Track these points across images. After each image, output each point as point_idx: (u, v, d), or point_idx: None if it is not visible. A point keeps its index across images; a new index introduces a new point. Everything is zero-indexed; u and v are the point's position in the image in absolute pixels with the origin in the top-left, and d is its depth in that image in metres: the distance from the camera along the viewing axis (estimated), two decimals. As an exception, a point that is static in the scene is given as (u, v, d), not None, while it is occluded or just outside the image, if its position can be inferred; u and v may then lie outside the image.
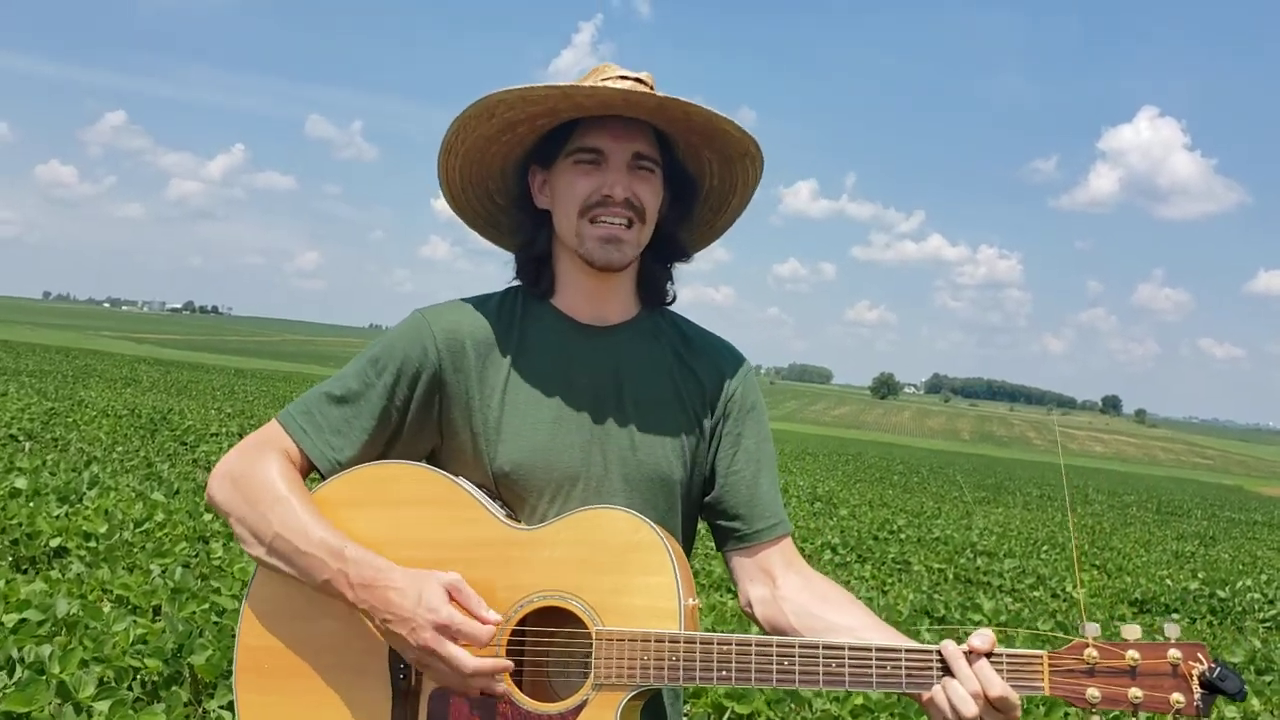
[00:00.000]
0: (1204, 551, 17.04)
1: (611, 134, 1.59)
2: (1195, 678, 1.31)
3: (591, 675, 1.42)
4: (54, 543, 5.99)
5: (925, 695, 1.38)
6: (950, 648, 1.37)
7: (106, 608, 4.62)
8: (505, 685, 1.45)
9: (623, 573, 1.45)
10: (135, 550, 6.04)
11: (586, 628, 1.44)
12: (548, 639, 1.48)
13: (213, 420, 17.74)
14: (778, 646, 1.39)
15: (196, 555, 6.09)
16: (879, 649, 1.38)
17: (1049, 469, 55.94)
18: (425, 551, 1.49)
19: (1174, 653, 1.32)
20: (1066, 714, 4.26)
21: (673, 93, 1.56)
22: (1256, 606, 10.46)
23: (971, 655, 1.36)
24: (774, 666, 1.39)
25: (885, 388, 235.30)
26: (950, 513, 18.80)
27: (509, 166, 1.70)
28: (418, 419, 1.63)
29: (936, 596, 8.63)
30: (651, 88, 1.60)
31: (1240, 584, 11.70)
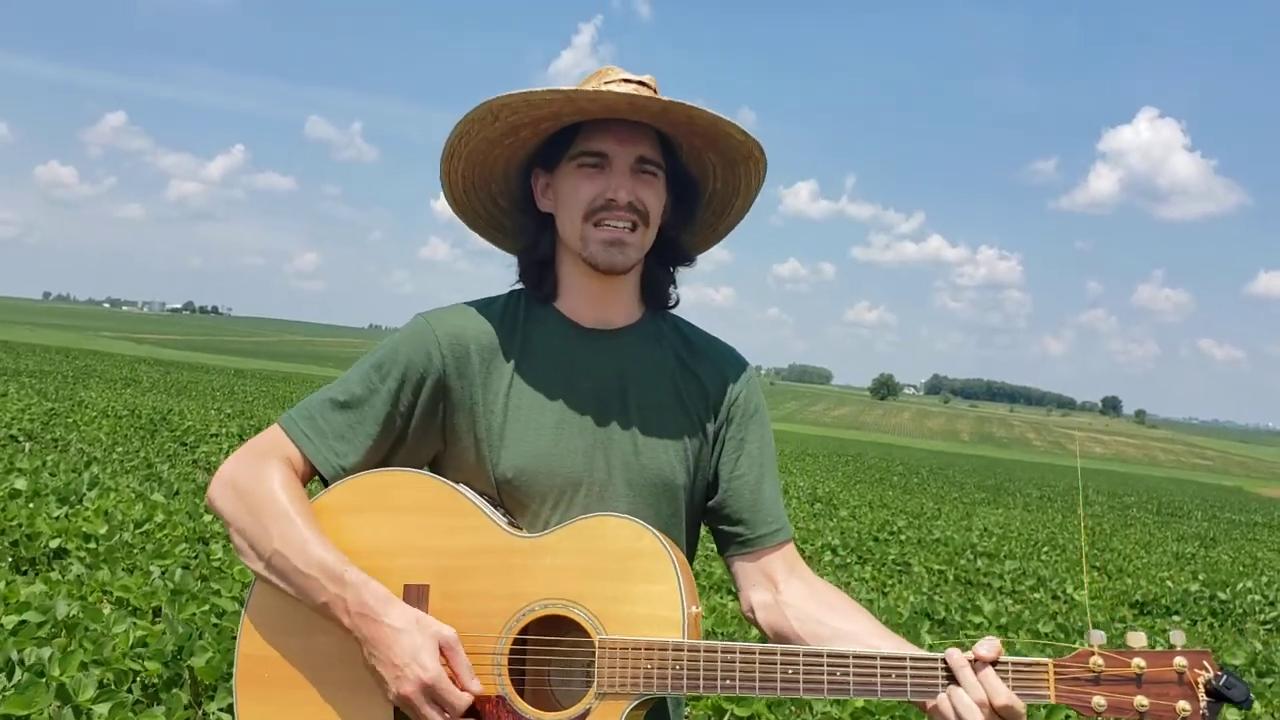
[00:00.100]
0: (1204, 553, 17.03)
1: (615, 138, 1.59)
2: (1201, 685, 1.31)
3: (595, 684, 1.41)
4: (54, 544, 5.98)
5: (930, 703, 1.38)
6: (955, 656, 1.36)
7: (106, 609, 4.62)
8: (510, 693, 1.44)
9: (625, 581, 1.44)
10: (135, 551, 6.03)
11: (589, 636, 1.43)
12: (550, 647, 1.48)
13: (212, 421, 17.73)
14: (782, 655, 1.39)
15: (196, 557, 6.08)
16: (884, 657, 1.38)
17: (1048, 470, 55.94)
18: (426, 559, 1.49)
19: (1180, 660, 1.32)
20: (1068, 718, 4.25)
21: (674, 95, 1.56)
22: (1257, 608, 10.45)
23: (977, 663, 1.36)
24: (778, 675, 1.38)
25: (885, 388, 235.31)
26: (950, 514, 18.79)
27: (512, 169, 1.70)
28: (422, 424, 1.62)
29: (937, 598, 8.62)
30: (655, 91, 1.60)
31: (1241, 586, 11.69)
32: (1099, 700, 1.32)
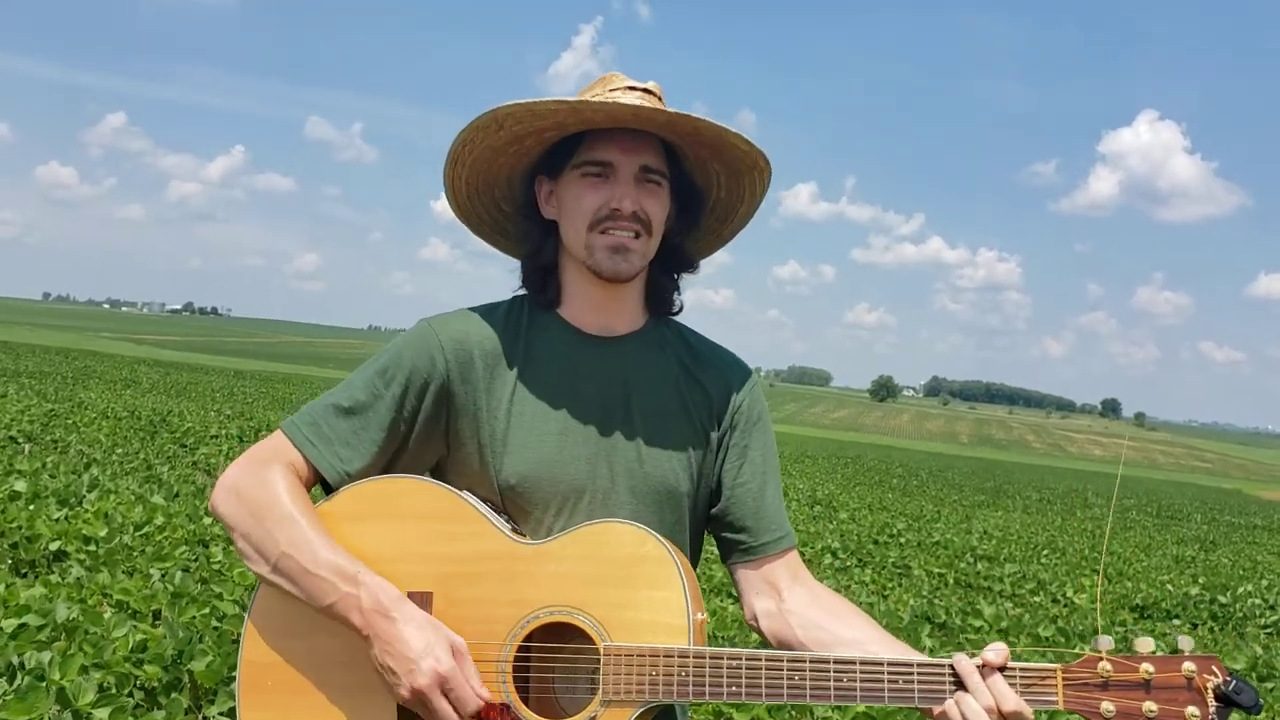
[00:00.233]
0: (1204, 556, 17.03)
1: (620, 147, 1.58)
2: (1210, 691, 1.30)
3: (600, 691, 1.41)
4: (53, 546, 5.97)
5: (937, 709, 1.37)
6: (963, 662, 1.36)
7: (107, 613, 4.61)
8: (514, 700, 1.43)
9: (630, 587, 1.43)
10: (135, 554, 6.02)
11: (594, 643, 1.42)
12: (554, 655, 1.47)
13: (212, 422, 17.72)
14: (788, 662, 1.38)
15: (196, 559, 6.07)
16: (891, 663, 1.37)
17: (1048, 472, 55.97)
18: (430, 566, 1.48)
19: (1189, 666, 1.31)
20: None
21: (675, 96, 1.57)
22: (1257, 612, 10.44)
23: (985, 669, 1.35)
24: (785, 682, 1.38)
25: (884, 390, 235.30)
26: (950, 516, 18.79)
27: (515, 176, 1.69)
28: (425, 430, 1.62)
29: (937, 602, 8.61)
30: (660, 98, 1.59)
31: (1241, 589, 11.68)
32: (1108, 706, 1.32)
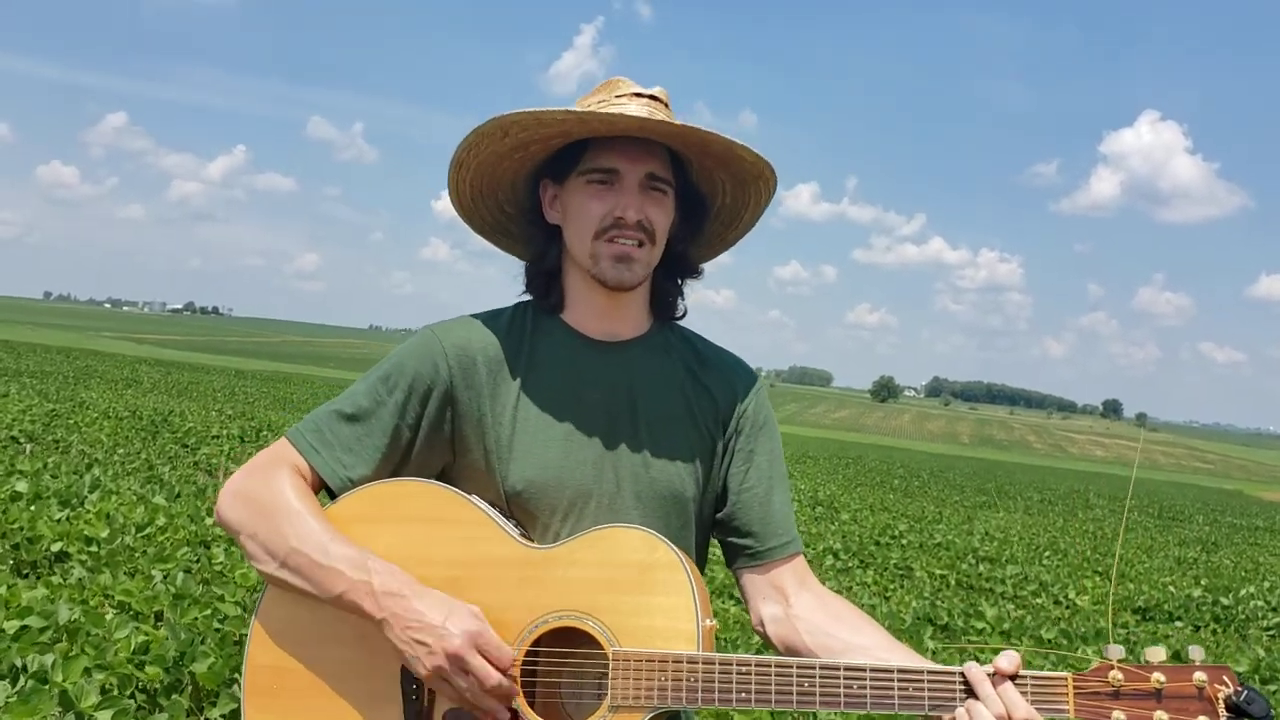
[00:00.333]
0: (1206, 557, 17.01)
1: (626, 155, 1.58)
2: (1221, 701, 1.30)
3: (608, 697, 1.40)
4: (55, 547, 5.96)
5: (948, 717, 1.36)
6: (974, 670, 1.35)
7: (109, 614, 4.60)
8: (521, 704, 1.43)
9: (639, 593, 1.43)
10: (137, 555, 6.02)
11: (602, 649, 1.42)
12: (562, 660, 1.46)
13: (213, 422, 17.72)
14: (798, 668, 1.38)
15: (198, 560, 6.06)
16: (901, 670, 1.36)
17: (1049, 473, 55.95)
18: (439, 570, 1.48)
19: (1199, 675, 1.31)
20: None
21: (675, 97, 1.57)
22: (1260, 614, 10.42)
23: (996, 677, 1.34)
24: (794, 688, 1.37)
25: (885, 391, 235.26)
26: (951, 517, 18.78)
27: (520, 180, 1.69)
28: (429, 437, 1.62)
29: (939, 604, 8.60)
30: (666, 104, 1.59)
31: (1243, 591, 11.66)
32: (1119, 715, 1.31)
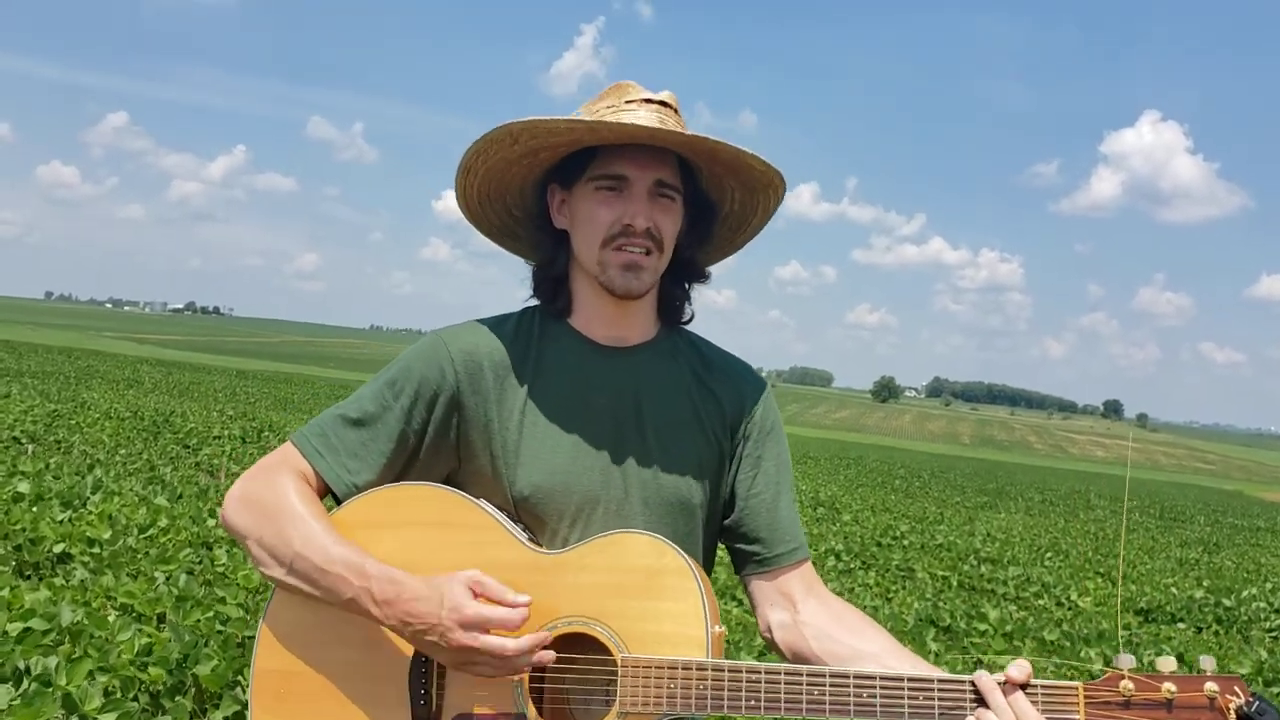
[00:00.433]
0: (1207, 558, 17.00)
1: (635, 162, 1.57)
2: (1233, 711, 1.29)
3: (617, 703, 1.40)
4: (57, 549, 5.96)
5: (957, 727, 1.36)
6: (985, 679, 1.35)
7: (111, 616, 4.60)
8: (529, 710, 1.42)
9: (648, 599, 1.43)
10: (139, 557, 6.02)
11: (611, 654, 1.42)
12: (570, 666, 1.46)
13: (215, 423, 17.72)
14: (808, 676, 1.37)
15: (200, 562, 6.06)
16: (911, 679, 1.36)
17: (1050, 474, 55.92)
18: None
19: (1211, 686, 1.30)
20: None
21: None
22: (1262, 615, 10.41)
23: (1007, 686, 1.34)
24: (804, 696, 1.37)
25: (886, 391, 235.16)
26: (953, 518, 18.77)
27: (528, 185, 1.69)
28: (435, 442, 1.61)
29: (941, 605, 8.59)
30: (675, 110, 1.59)
31: (1245, 593, 11.66)
32: (1129, 725, 1.31)
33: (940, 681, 1.36)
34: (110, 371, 34.51)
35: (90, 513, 6.90)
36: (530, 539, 1.53)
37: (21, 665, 3.70)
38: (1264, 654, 7.63)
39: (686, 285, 1.75)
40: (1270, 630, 9.84)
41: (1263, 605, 10.95)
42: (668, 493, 1.62)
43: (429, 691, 1.45)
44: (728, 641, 5.60)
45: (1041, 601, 10.15)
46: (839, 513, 16.27)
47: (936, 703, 1.35)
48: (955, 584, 10.57)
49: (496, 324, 1.69)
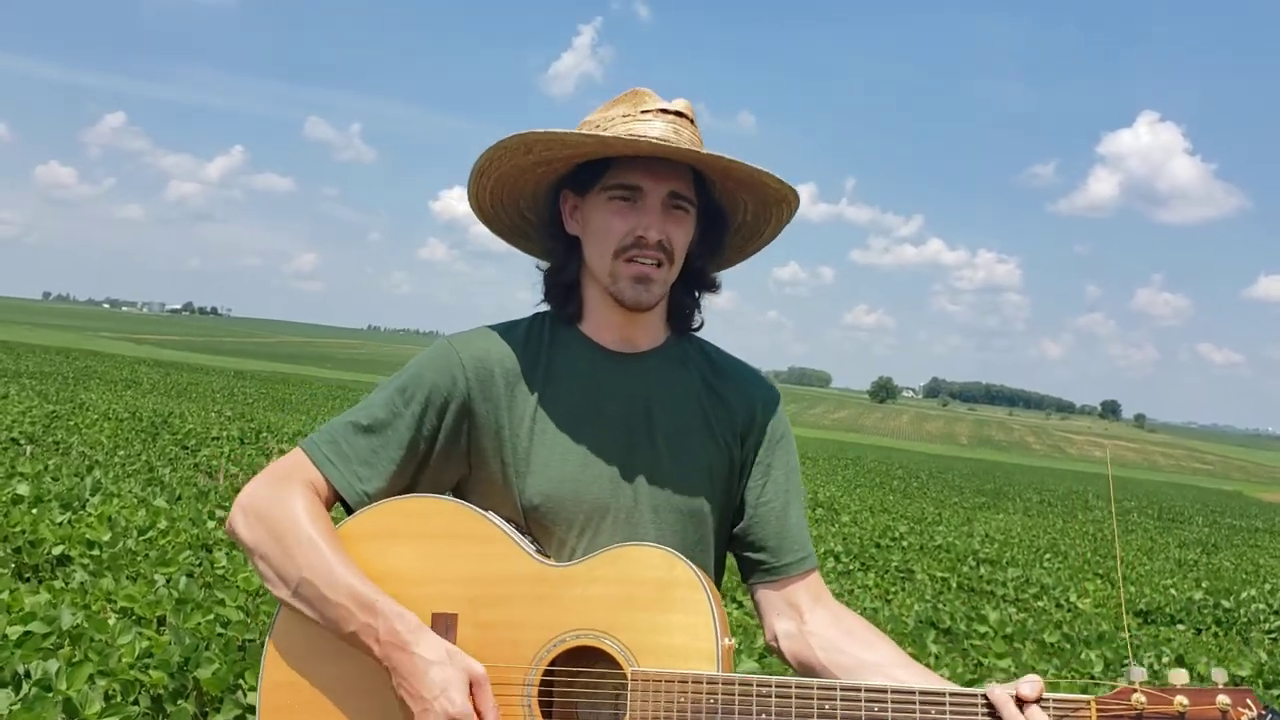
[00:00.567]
0: (1206, 560, 17.00)
1: (650, 173, 1.57)
2: (1244, 724, 1.28)
3: (626, 717, 1.39)
4: (57, 551, 5.94)
5: (969, 740, 1.35)
6: (997, 693, 1.34)
7: (112, 619, 4.59)
8: None
9: (658, 612, 1.42)
10: (139, 559, 6.00)
11: (620, 668, 1.41)
12: (579, 679, 1.45)
13: (213, 423, 17.69)
14: (819, 689, 1.36)
15: (200, 564, 6.05)
16: (923, 692, 1.35)
17: (1048, 474, 55.94)
18: (455, 588, 1.47)
19: (1223, 699, 1.29)
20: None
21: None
22: (1262, 617, 10.41)
23: (1019, 701, 1.33)
24: (815, 710, 1.36)
25: (884, 391, 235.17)
26: (951, 519, 18.76)
27: (541, 190, 1.69)
28: (445, 449, 1.61)
29: (941, 607, 8.59)
30: (691, 119, 1.58)
31: (1244, 594, 11.66)
32: (1141, 738, 1.30)
33: (952, 695, 1.35)
34: (108, 372, 34.46)
35: (90, 515, 6.89)
36: (538, 551, 1.52)
37: (21, 669, 3.69)
38: (1264, 656, 7.62)
39: (696, 294, 1.75)
40: (1269, 632, 9.83)
41: (1262, 607, 10.95)
42: (678, 501, 1.62)
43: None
44: (728, 644, 5.61)
45: (1041, 603, 10.14)
46: (838, 514, 16.27)
47: (949, 717, 1.35)
48: (954, 585, 10.56)
49: (507, 330, 1.69)
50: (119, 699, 3.73)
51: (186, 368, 48.89)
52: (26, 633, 4.12)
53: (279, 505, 1.50)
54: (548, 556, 1.53)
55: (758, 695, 1.36)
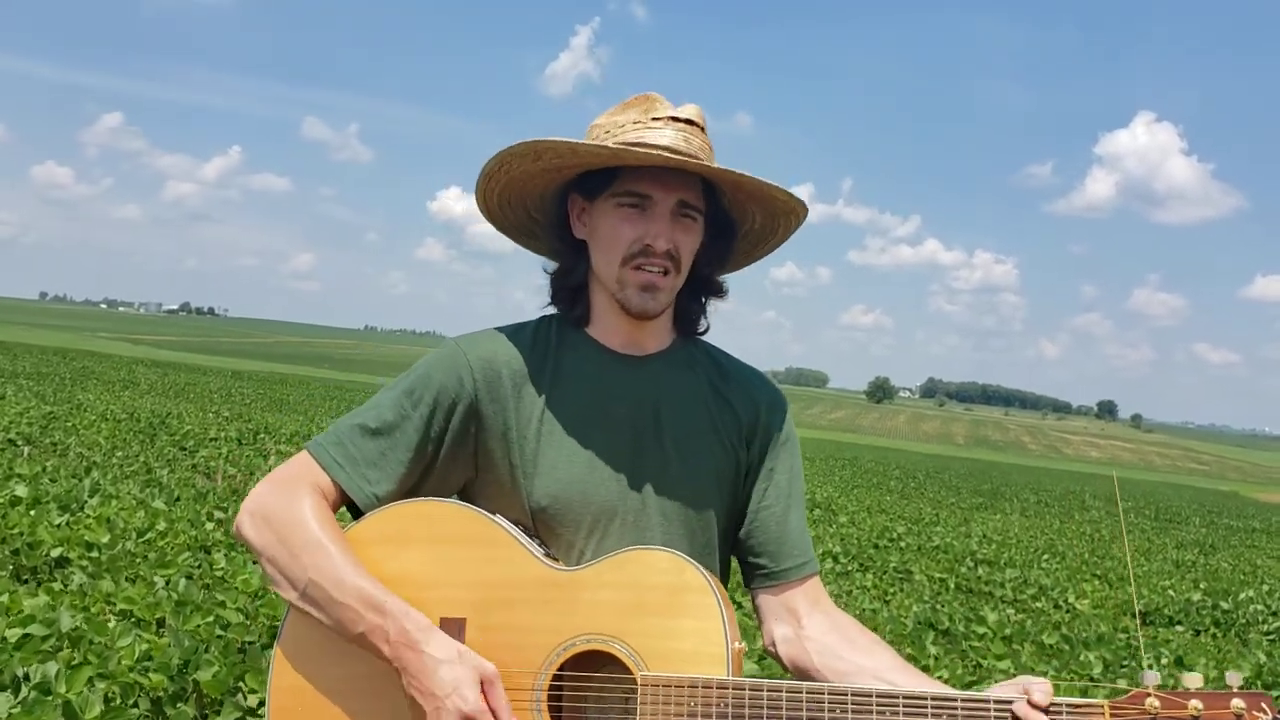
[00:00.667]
0: (1204, 560, 17.01)
1: (659, 182, 1.56)
2: (1259, 728, 1.28)
3: (636, 721, 1.38)
4: (55, 553, 5.93)
5: (980, 745, 1.35)
6: (1003, 688, 1.34)
7: (111, 621, 4.57)
8: None
9: (669, 616, 1.41)
10: (138, 561, 5.99)
11: (630, 672, 1.40)
12: (588, 684, 1.44)
13: (211, 424, 17.67)
14: (830, 694, 1.36)
15: (199, 566, 6.04)
16: (934, 697, 1.35)
17: (1044, 474, 55.98)
18: (463, 592, 1.46)
19: (1237, 703, 1.29)
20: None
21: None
22: (1260, 618, 10.41)
23: (1031, 706, 1.32)
24: (825, 714, 1.35)
25: (881, 391, 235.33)
26: (948, 519, 18.77)
27: (549, 191, 1.68)
28: (453, 451, 1.60)
29: (940, 608, 8.59)
30: (702, 127, 1.58)
31: (1243, 595, 11.66)
32: (1156, 743, 1.29)
33: (964, 701, 1.34)
34: (105, 373, 34.41)
35: (88, 516, 6.87)
36: (547, 555, 1.51)
37: (20, 672, 3.67)
38: (1263, 657, 7.62)
39: (703, 299, 1.74)
40: (1268, 633, 9.84)
41: (1260, 608, 10.96)
42: (686, 504, 1.61)
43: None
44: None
45: (1039, 604, 10.14)
46: (835, 514, 16.27)
47: (960, 722, 1.34)
48: (953, 586, 10.57)
49: (514, 332, 1.68)
50: (119, 702, 3.71)
51: (184, 368, 48.82)
52: (25, 635, 4.10)
53: (286, 508, 1.50)
54: (556, 560, 1.53)
55: (768, 700, 1.36)
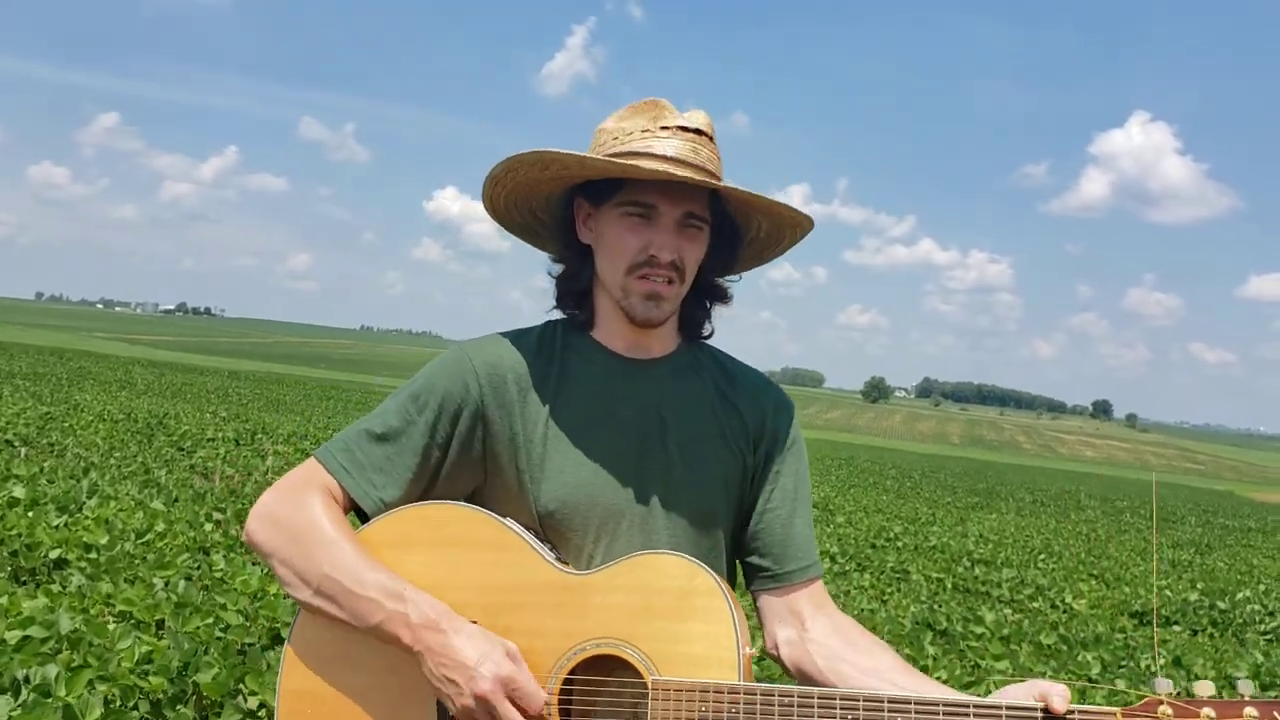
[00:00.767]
0: (1200, 560, 17.03)
1: (666, 194, 1.56)
2: (1272, 736, 1.27)
3: (647, 726, 1.38)
4: (54, 554, 5.92)
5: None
6: (1025, 690, 1.34)
7: (110, 623, 4.56)
8: None
9: (679, 620, 1.41)
10: (136, 562, 5.98)
11: (641, 677, 1.40)
12: (599, 688, 1.44)
13: (208, 425, 17.64)
14: (841, 700, 1.35)
15: (198, 567, 6.03)
16: (946, 703, 1.34)
17: (1040, 473, 56.05)
18: (474, 595, 1.46)
19: (1250, 711, 1.28)
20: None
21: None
22: (1257, 618, 10.43)
23: (1047, 712, 1.32)
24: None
25: (876, 391, 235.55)
26: (944, 519, 18.78)
27: (555, 195, 1.68)
28: (459, 457, 1.60)
29: (937, 608, 8.59)
30: (710, 136, 1.58)
31: (1240, 595, 11.68)
32: (1168, 750, 1.29)
33: (975, 707, 1.34)
34: (102, 373, 34.35)
35: (86, 518, 6.86)
36: (558, 558, 1.51)
37: (20, 675, 3.67)
38: (1260, 657, 7.64)
39: (708, 304, 1.74)
40: (1265, 633, 9.86)
41: (1257, 608, 10.97)
42: (692, 507, 1.61)
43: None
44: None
45: (1036, 604, 10.15)
46: (833, 514, 16.28)
47: (971, 727, 1.34)
48: (950, 586, 10.57)
49: (519, 337, 1.68)
50: (118, 704, 3.70)
51: (181, 368, 48.73)
52: (25, 637, 4.09)
53: (297, 510, 1.50)
54: (567, 564, 1.52)
55: (779, 705, 1.35)
